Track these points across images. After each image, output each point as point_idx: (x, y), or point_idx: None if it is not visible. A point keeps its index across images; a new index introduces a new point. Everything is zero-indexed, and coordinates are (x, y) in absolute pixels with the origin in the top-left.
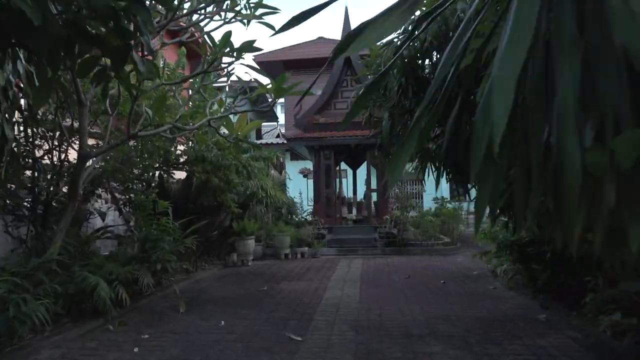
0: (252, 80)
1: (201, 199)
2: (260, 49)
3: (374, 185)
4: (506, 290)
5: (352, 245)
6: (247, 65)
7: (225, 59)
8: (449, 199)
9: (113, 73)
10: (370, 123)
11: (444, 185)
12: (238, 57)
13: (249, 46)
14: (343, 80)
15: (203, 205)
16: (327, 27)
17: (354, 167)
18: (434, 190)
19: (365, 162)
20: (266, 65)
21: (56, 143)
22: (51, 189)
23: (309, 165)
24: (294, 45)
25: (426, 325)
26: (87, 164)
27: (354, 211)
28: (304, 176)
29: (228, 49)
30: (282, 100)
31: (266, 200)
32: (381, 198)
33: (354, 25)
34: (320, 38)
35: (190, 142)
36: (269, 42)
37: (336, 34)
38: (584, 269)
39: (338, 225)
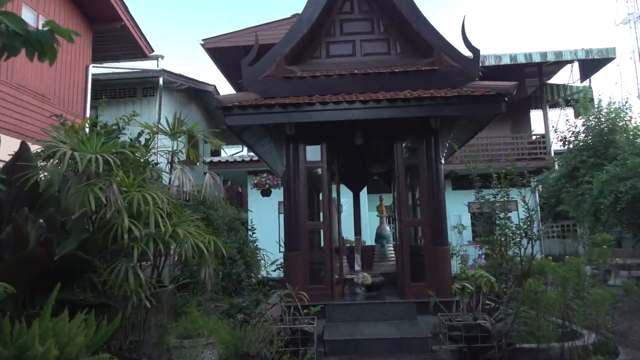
0: None
1: None
2: None
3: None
4: None
5: (376, 358)
6: None
7: None
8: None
9: None
10: None
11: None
12: None
13: None
14: (344, 1)
15: None
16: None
17: (357, 186)
18: None
19: (390, 168)
20: (220, 52)
21: None
22: None
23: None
24: (259, 26)
25: None
26: None
27: (357, 264)
28: (263, 193)
29: None
30: None
31: (156, 247)
32: (434, 241)
33: None
34: (297, 15)
35: None
36: (225, 21)
37: None
38: None
39: (338, 301)
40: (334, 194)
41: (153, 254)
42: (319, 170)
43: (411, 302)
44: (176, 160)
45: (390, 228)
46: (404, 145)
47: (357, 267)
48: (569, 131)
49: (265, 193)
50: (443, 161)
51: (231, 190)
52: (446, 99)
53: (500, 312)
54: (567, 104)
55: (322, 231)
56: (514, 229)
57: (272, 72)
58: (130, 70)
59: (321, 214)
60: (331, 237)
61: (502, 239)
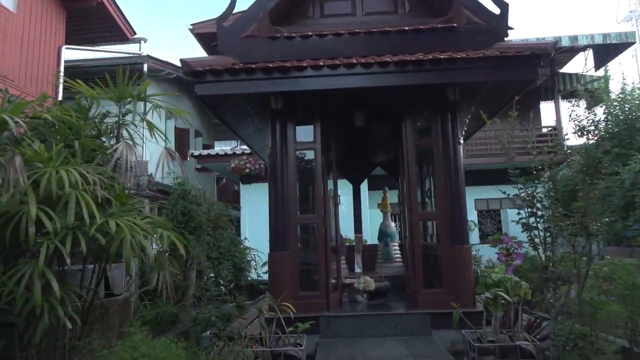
0: None
1: None
2: None
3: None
4: None
5: None
6: None
7: None
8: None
9: None
10: None
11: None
12: None
13: None
14: None
15: None
16: None
17: (357, 178)
18: None
19: (398, 150)
20: (209, 38)
21: None
22: None
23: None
24: None
25: None
26: None
27: (358, 266)
28: (243, 180)
29: None
30: None
31: (75, 245)
32: (453, 239)
33: None
34: None
35: None
36: (214, 8)
37: None
38: None
39: (334, 312)
40: (331, 185)
41: (70, 254)
42: (312, 154)
43: (424, 314)
44: (123, 133)
45: (395, 224)
46: (414, 124)
47: (358, 270)
48: (588, 120)
49: (246, 179)
50: (462, 141)
51: (227, 189)
52: (469, 62)
53: (543, 329)
54: (587, 92)
55: (315, 227)
56: (561, 223)
57: (254, 32)
58: (111, 56)
59: (313, 204)
60: (327, 234)
61: (547, 234)
